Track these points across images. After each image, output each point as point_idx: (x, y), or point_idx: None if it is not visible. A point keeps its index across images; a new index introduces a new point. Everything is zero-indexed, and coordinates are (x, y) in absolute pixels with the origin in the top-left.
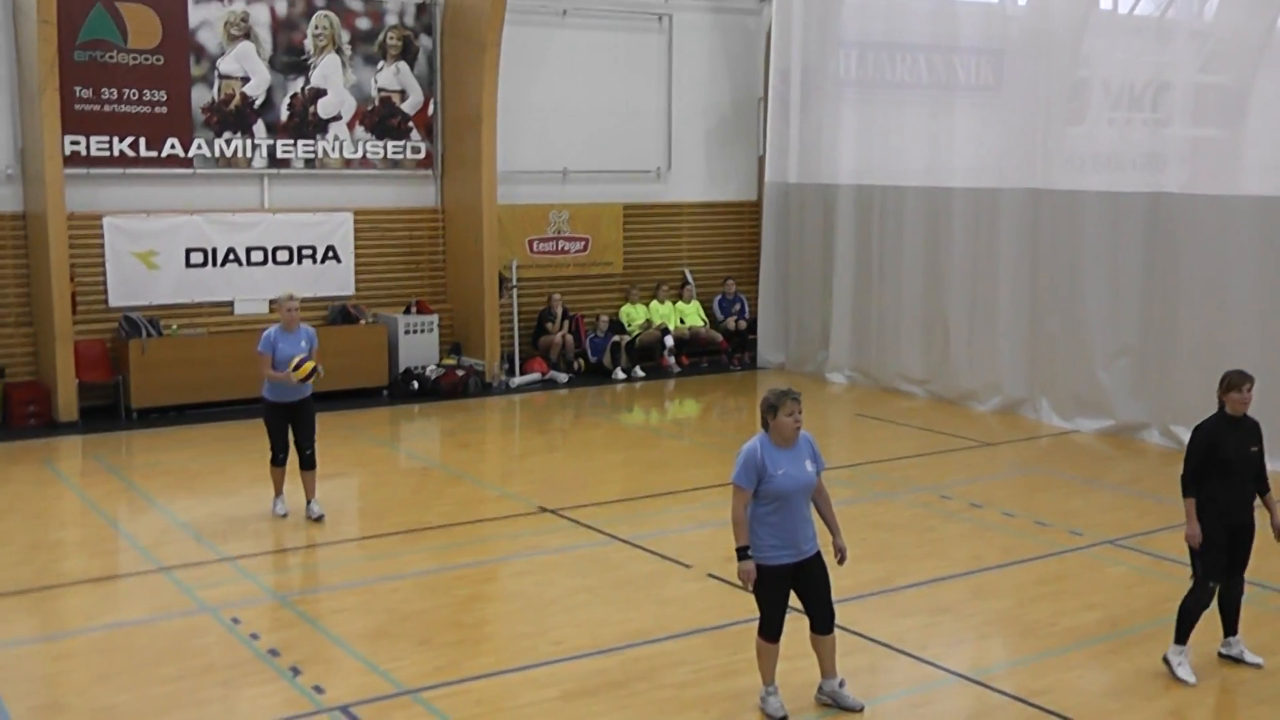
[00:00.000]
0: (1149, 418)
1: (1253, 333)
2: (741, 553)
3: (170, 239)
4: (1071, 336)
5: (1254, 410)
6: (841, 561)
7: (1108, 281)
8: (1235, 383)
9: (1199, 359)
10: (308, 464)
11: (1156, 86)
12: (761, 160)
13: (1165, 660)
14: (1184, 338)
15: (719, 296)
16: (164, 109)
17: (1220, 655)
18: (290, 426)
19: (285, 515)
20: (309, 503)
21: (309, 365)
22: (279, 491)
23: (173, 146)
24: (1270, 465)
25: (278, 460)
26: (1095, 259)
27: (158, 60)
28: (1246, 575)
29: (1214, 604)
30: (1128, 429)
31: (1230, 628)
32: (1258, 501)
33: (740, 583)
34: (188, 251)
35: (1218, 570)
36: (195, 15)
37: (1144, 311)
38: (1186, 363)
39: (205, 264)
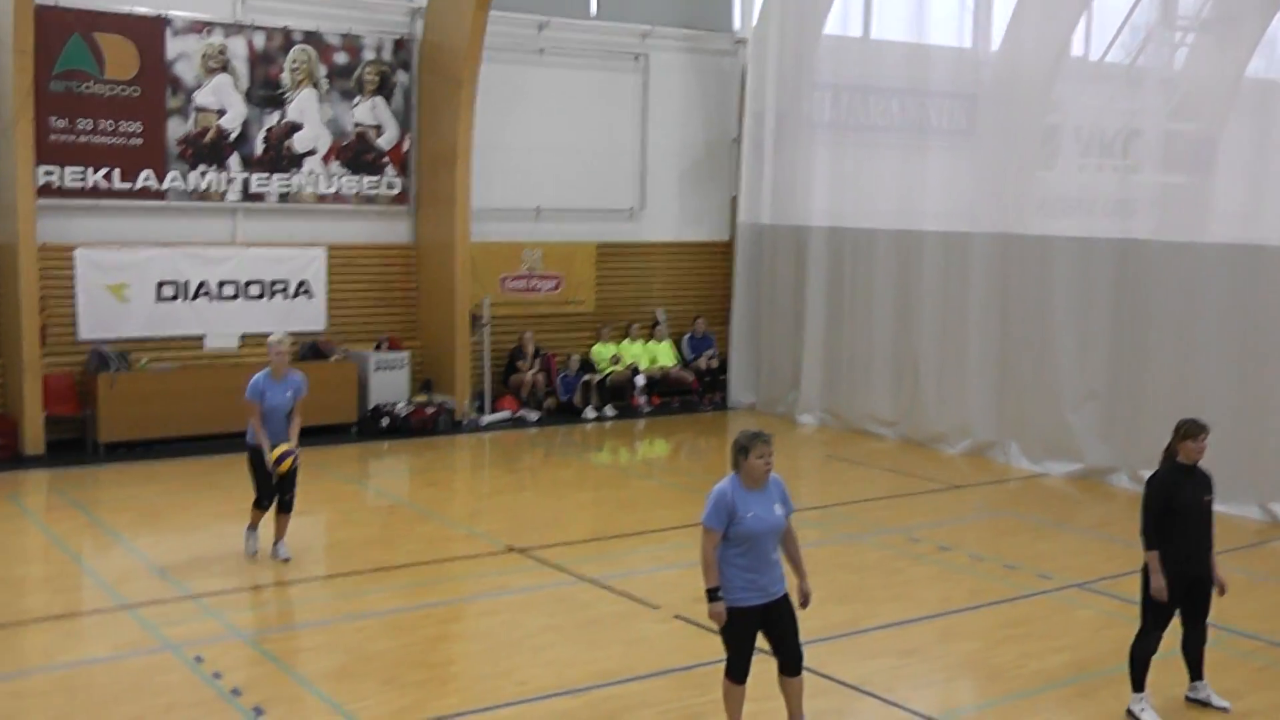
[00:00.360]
0: (1117, 461)
1: (1220, 378)
2: (711, 594)
3: (142, 272)
4: (1041, 380)
5: (1216, 458)
6: (804, 605)
7: (1077, 326)
8: (1191, 432)
9: (1167, 404)
10: (286, 507)
11: (1127, 133)
12: (735, 201)
13: (1129, 712)
14: (1152, 382)
15: (688, 335)
16: (139, 141)
17: (1188, 699)
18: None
19: (255, 554)
20: (277, 543)
21: (288, 462)
22: (254, 527)
23: (147, 178)
24: (1231, 510)
25: (261, 505)
26: (1065, 303)
27: (134, 92)
28: (1214, 620)
29: (1178, 648)
30: (1096, 472)
31: (1196, 673)
32: None
33: (710, 624)
34: (159, 284)
35: (1167, 619)
36: (173, 47)
37: (1113, 356)
38: (1155, 407)
39: (176, 297)
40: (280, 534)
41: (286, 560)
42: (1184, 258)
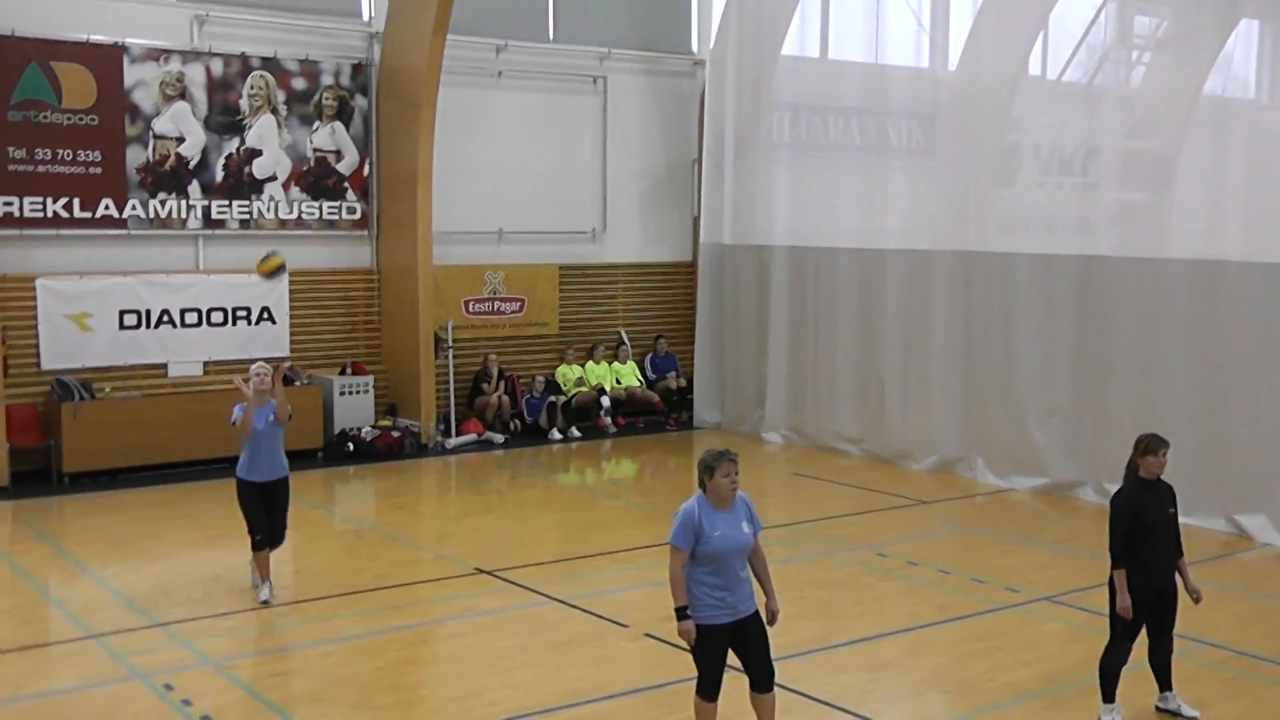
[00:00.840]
0: (1083, 476)
1: (1183, 392)
2: (680, 613)
3: (103, 300)
4: (1005, 396)
5: (1181, 471)
6: (771, 624)
7: (1040, 342)
8: (1153, 447)
9: (1131, 418)
10: (275, 540)
11: (1086, 151)
12: (696, 221)
13: None
14: (1116, 397)
15: (650, 355)
16: (98, 169)
17: (1158, 709)
18: (267, 510)
19: (267, 602)
20: (263, 581)
21: (275, 260)
22: (265, 576)
23: (107, 207)
24: (1198, 522)
25: (259, 545)
26: (1028, 320)
27: (92, 120)
28: (1183, 630)
29: (1146, 660)
30: (1062, 487)
31: (1165, 684)
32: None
33: (681, 641)
34: (121, 313)
35: (1135, 632)
36: (130, 75)
37: (1076, 371)
38: (1119, 422)
39: (139, 325)
40: (262, 571)
41: (266, 603)
42: (1145, 274)
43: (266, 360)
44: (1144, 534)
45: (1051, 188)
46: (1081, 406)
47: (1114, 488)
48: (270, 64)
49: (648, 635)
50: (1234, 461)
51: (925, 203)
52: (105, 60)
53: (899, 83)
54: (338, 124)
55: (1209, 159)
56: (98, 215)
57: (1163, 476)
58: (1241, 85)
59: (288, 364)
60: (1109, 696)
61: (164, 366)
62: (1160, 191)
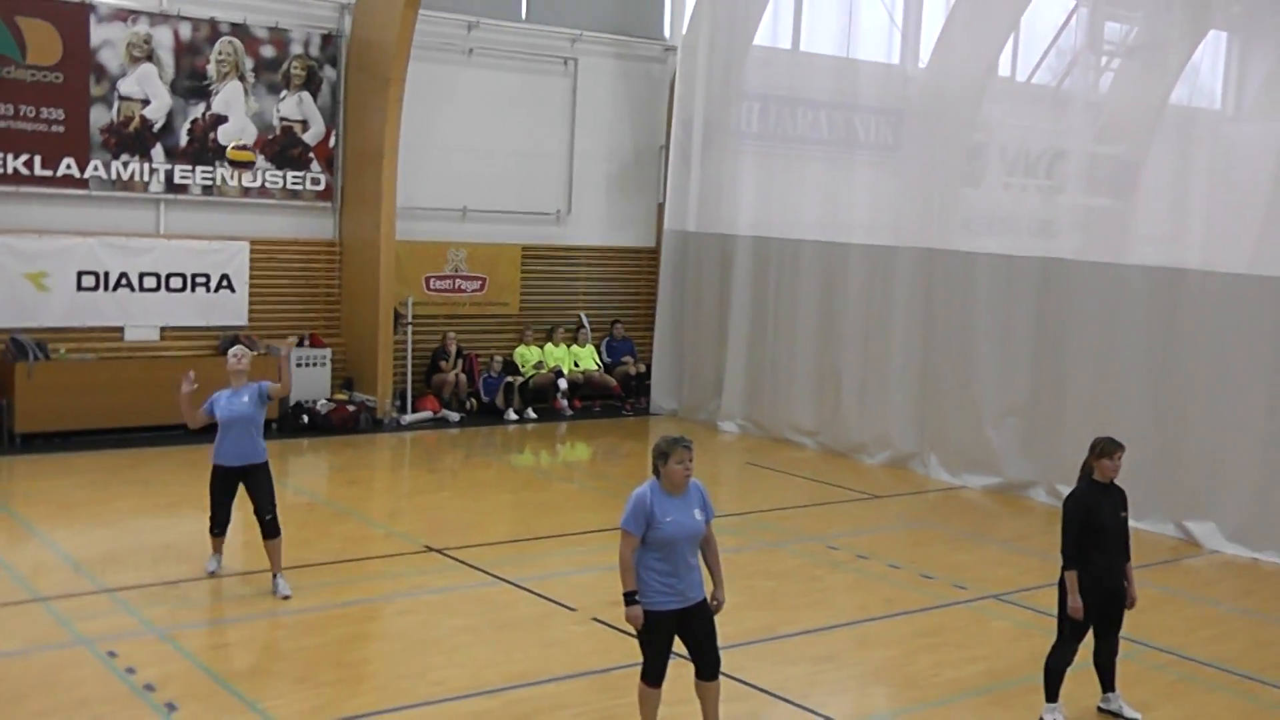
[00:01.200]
0: (1036, 476)
1: (1139, 397)
2: (629, 598)
3: (62, 261)
4: (962, 394)
5: (1134, 476)
6: (715, 612)
7: (999, 342)
8: (1108, 450)
9: (1086, 421)
10: (270, 531)
11: (1052, 154)
12: (661, 208)
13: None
14: (1072, 399)
15: (607, 339)
16: (61, 128)
17: (1100, 710)
18: (247, 491)
19: (214, 572)
20: (275, 578)
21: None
22: (217, 551)
23: (69, 167)
24: (1148, 526)
25: (215, 531)
26: (987, 320)
27: (57, 78)
28: (1128, 633)
29: (1091, 660)
30: (1015, 486)
31: (1108, 684)
32: None
33: (628, 626)
34: (79, 274)
35: (1083, 632)
36: (97, 34)
37: (1034, 372)
38: (1074, 424)
39: (97, 288)
40: (276, 566)
41: (286, 598)
42: (1105, 278)
43: (223, 329)
44: (1095, 536)
45: (1016, 189)
46: (1037, 408)
47: (1066, 489)
48: (239, 30)
49: (595, 619)
50: (1186, 468)
51: (890, 199)
52: (72, 18)
53: (869, 78)
54: (305, 94)
55: (1173, 167)
56: (59, 174)
57: (1115, 480)
58: (1208, 96)
59: (293, 340)
60: (1052, 696)
61: (121, 330)
62: (1124, 197)
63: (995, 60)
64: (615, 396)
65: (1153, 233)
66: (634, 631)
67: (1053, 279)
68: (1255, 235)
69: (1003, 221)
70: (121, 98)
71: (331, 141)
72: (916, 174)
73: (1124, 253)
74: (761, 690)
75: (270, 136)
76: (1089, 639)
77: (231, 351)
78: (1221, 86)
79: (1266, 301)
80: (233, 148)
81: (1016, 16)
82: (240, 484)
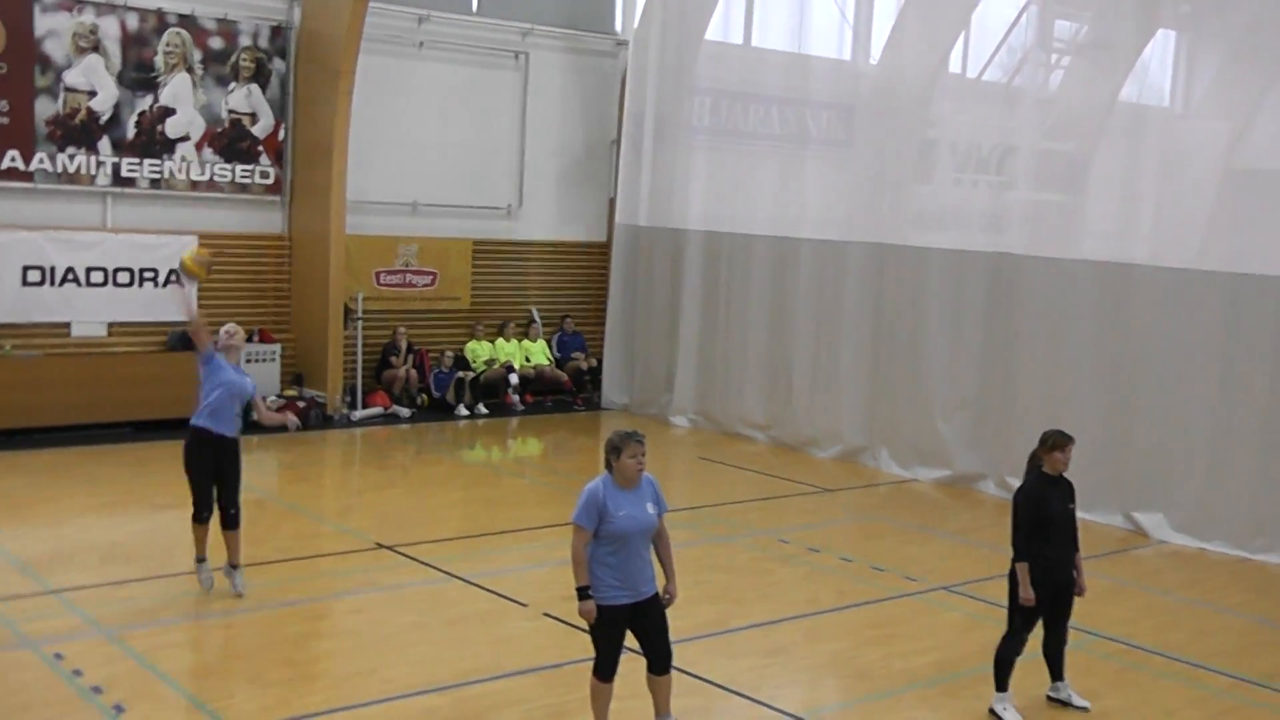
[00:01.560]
0: (985, 469)
1: (1087, 391)
2: (581, 592)
3: (6, 255)
4: (912, 388)
5: (1083, 468)
6: (667, 606)
7: (949, 336)
8: (1058, 443)
9: (1036, 414)
10: (231, 522)
11: (1002, 150)
12: (612, 202)
13: (991, 711)
14: (1022, 393)
15: (558, 334)
16: (5, 119)
17: (1049, 699)
18: (218, 475)
19: (210, 587)
20: (234, 571)
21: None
22: (202, 555)
23: (13, 159)
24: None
25: (201, 517)
26: (938, 314)
27: (1, 69)
28: (1077, 623)
29: (1040, 650)
30: (965, 479)
31: (1057, 673)
32: None
33: (580, 621)
34: (24, 269)
35: (1033, 623)
36: (42, 24)
37: (983, 366)
38: (1023, 417)
39: (43, 283)
40: (234, 556)
41: (240, 595)
42: (1054, 273)
43: (172, 324)
44: (1045, 528)
45: (967, 185)
46: (987, 401)
47: (1016, 482)
48: (187, 21)
49: (546, 615)
50: (1134, 461)
51: (841, 194)
52: (16, 7)
53: (820, 74)
54: (254, 86)
55: (1122, 163)
56: (3, 167)
57: (1065, 473)
58: (1157, 93)
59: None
60: (1002, 686)
61: (67, 326)
62: (1073, 193)
63: (946, 57)
64: (566, 391)
65: (1102, 228)
66: (586, 626)
67: (1003, 274)
68: (1202, 230)
69: (953, 217)
70: (67, 89)
71: (281, 135)
72: (868, 169)
73: (1073, 248)
74: (713, 684)
75: (219, 129)
76: (1039, 629)
77: (225, 329)
78: (1170, 84)
79: (1213, 295)
80: (190, 259)
81: (967, 14)
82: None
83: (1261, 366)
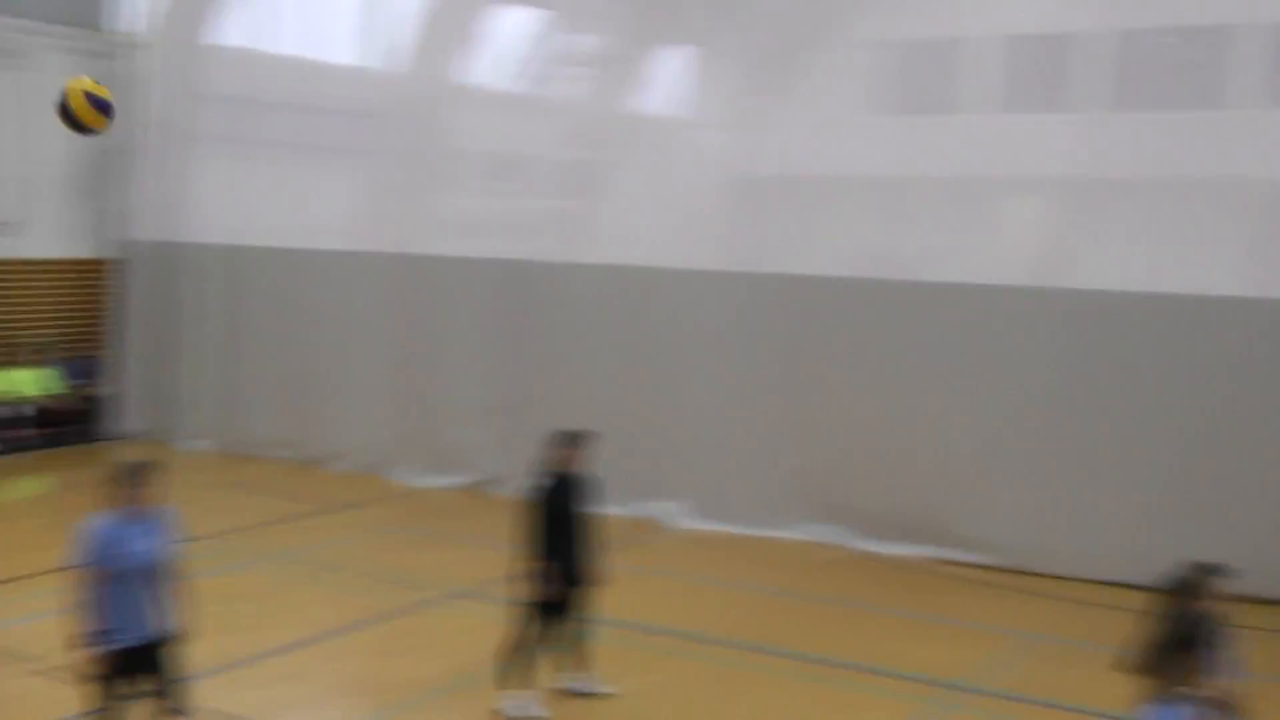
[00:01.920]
0: (506, 472)
1: (606, 388)
2: (85, 638)
3: None
4: (431, 396)
5: (600, 461)
6: (177, 644)
7: (469, 343)
8: (569, 441)
9: (556, 415)
10: None
11: (520, 160)
12: (120, 216)
13: (511, 708)
14: (543, 395)
15: (63, 361)
16: None
17: (570, 690)
18: None
19: None
20: None
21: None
22: None
23: None
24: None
25: None
26: (458, 322)
27: None
28: (596, 613)
29: (557, 644)
30: (485, 484)
31: (579, 665)
32: None
33: (86, 671)
34: None
35: (549, 618)
36: None
37: (505, 372)
38: (544, 419)
39: None
40: None
41: None
42: (574, 277)
43: None
44: (561, 524)
45: (486, 193)
46: (509, 405)
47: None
48: None
49: (51, 669)
50: (650, 453)
51: (359, 203)
52: None
53: (337, 80)
54: None
55: (635, 171)
56: None
57: (579, 469)
58: (673, 104)
59: None
60: (519, 683)
61: None
62: (590, 200)
63: (465, 67)
64: (74, 421)
65: (619, 233)
66: (92, 675)
67: (523, 280)
68: (716, 234)
69: (474, 225)
70: None
71: None
72: (386, 178)
73: (591, 252)
74: (234, 716)
75: None
76: (559, 623)
77: None
78: (686, 95)
79: (725, 294)
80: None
81: (487, 24)
82: None
83: (776, 357)
